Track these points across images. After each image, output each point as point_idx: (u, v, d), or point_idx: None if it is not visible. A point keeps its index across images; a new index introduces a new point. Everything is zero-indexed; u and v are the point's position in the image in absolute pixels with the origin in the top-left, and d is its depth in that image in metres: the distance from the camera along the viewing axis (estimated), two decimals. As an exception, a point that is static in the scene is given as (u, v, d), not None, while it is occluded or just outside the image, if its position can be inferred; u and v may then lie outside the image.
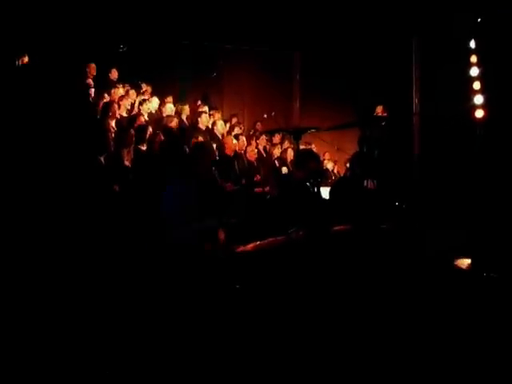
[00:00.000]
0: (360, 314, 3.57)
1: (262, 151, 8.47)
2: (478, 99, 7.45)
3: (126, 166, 5.49)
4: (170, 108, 7.78)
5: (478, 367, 3.00)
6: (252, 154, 7.75)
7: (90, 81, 7.37)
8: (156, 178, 5.29)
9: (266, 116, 9.22)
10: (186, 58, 9.45)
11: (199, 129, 7.65)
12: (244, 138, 7.93)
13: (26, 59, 6.24)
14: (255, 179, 7.37)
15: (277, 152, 8.38)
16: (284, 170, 7.82)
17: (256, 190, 7.03)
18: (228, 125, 8.42)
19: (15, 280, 4.01)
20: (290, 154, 8.05)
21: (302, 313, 3.57)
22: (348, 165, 7.44)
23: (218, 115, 8.41)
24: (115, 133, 6.13)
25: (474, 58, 7.60)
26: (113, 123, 6.43)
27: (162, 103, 7.92)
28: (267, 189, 7.05)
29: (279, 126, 8.92)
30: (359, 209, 4.48)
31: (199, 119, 7.81)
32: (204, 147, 4.44)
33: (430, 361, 3.05)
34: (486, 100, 7.34)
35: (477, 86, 7.51)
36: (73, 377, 2.91)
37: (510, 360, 3.05)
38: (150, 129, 6.20)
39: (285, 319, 3.50)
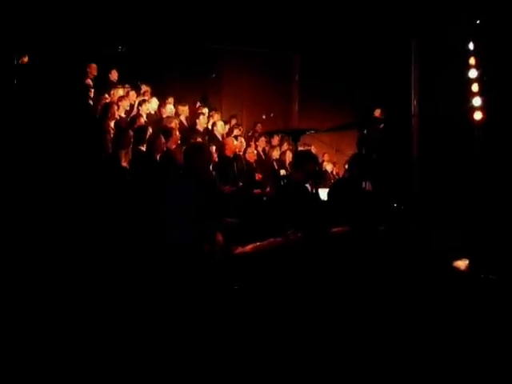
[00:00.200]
0: (359, 316, 3.58)
1: (261, 153, 8.47)
2: (477, 101, 7.48)
3: (124, 167, 5.48)
4: (170, 109, 7.78)
5: (477, 369, 3.01)
6: (252, 155, 7.75)
7: (89, 81, 7.37)
8: (155, 178, 5.29)
9: (264, 117, 9.23)
10: (185, 59, 9.45)
11: (197, 130, 7.65)
12: (243, 139, 7.94)
13: (25, 59, 6.24)
14: (257, 178, 7.36)
15: (275, 154, 8.38)
16: (282, 171, 7.82)
17: (255, 191, 7.03)
18: (227, 126, 8.42)
19: (13, 281, 4.01)
20: (289, 156, 8.06)
21: (300, 314, 3.57)
22: (346, 166, 7.45)
23: (217, 116, 8.42)
24: (113, 134, 6.13)
25: (472, 60, 7.64)
26: (112, 124, 6.43)
27: (162, 104, 7.92)
28: (267, 190, 7.06)
29: (278, 128, 8.93)
30: (357, 210, 4.48)
31: (197, 120, 7.82)
32: (201, 148, 4.42)
33: (429, 362, 3.05)
34: (485, 102, 7.37)
35: (475, 87, 7.54)
36: (73, 377, 2.91)
37: (509, 361, 3.06)
38: (150, 129, 6.20)
39: (283, 320, 3.50)
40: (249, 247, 4.11)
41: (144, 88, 8.22)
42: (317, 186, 4.82)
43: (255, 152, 7.94)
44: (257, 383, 2.94)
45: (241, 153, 7.66)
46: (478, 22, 7.50)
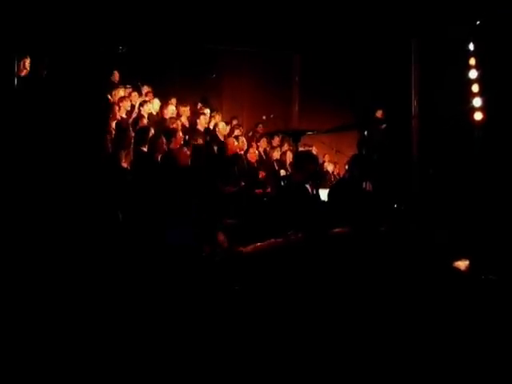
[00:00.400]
0: (359, 316, 3.58)
1: (262, 153, 8.49)
2: (477, 101, 7.48)
3: (124, 168, 5.49)
4: (171, 110, 7.79)
5: (477, 369, 3.01)
6: (253, 155, 7.77)
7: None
8: (156, 179, 5.31)
9: (265, 118, 9.24)
10: (184, 60, 9.45)
11: (198, 130, 7.66)
12: (244, 140, 7.95)
13: (27, 61, 6.24)
14: (260, 176, 7.37)
15: (276, 154, 8.40)
16: (282, 172, 7.83)
17: (257, 191, 7.04)
18: (228, 127, 8.44)
19: (13, 281, 4.02)
20: (289, 157, 8.07)
21: (301, 314, 3.58)
22: (347, 167, 7.46)
23: (218, 117, 8.44)
24: (114, 134, 6.14)
25: (472, 61, 7.64)
26: (113, 125, 6.44)
27: (163, 105, 7.93)
28: (268, 190, 7.06)
29: (278, 128, 8.93)
30: (357, 211, 4.49)
31: (198, 121, 7.83)
32: (202, 149, 4.45)
33: (429, 363, 3.06)
34: (485, 102, 7.37)
35: (475, 88, 7.55)
36: (73, 377, 2.92)
37: (509, 362, 3.06)
38: (152, 130, 6.22)
39: (284, 321, 3.51)
40: (249, 248, 4.12)
41: (146, 89, 8.24)
42: (317, 186, 4.82)
43: (257, 152, 7.95)
44: (258, 383, 2.94)
45: (242, 152, 7.67)
46: (478, 22, 7.51)
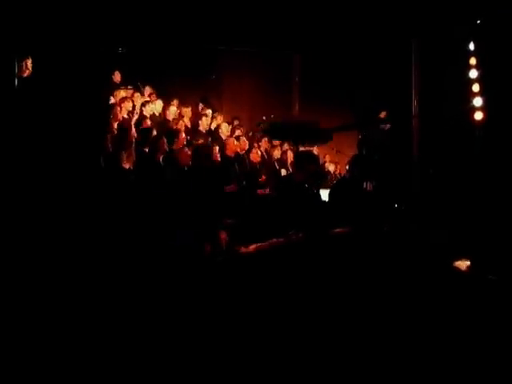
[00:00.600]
0: (360, 316, 3.59)
1: (264, 153, 8.49)
2: (477, 101, 7.48)
3: (125, 168, 5.50)
4: (173, 111, 7.79)
5: (477, 369, 3.02)
6: (256, 155, 7.76)
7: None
8: (157, 179, 5.32)
9: (265, 118, 9.23)
10: (184, 60, 9.45)
11: (199, 131, 7.66)
12: (245, 140, 7.95)
13: (29, 62, 6.24)
14: (260, 180, 7.37)
15: (277, 154, 8.40)
16: (283, 172, 7.84)
17: (259, 191, 7.04)
18: (230, 127, 8.44)
19: (13, 282, 4.02)
20: (290, 156, 8.07)
21: (302, 314, 3.58)
22: (347, 167, 7.47)
23: (220, 118, 8.44)
24: (115, 135, 6.15)
25: (473, 60, 7.64)
26: (115, 125, 6.45)
27: (165, 106, 7.93)
28: (268, 190, 7.07)
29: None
30: (358, 211, 4.50)
31: (200, 122, 7.83)
32: (203, 150, 4.46)
33: (429, 362, 3.06)
34: (485, 102, 7.37)
35: (476, 88, 7.54)
36: (73, 377, 2.93)
37: (509, 362, 3.07)
38: (155, 131, 6.23)
39: (285, 320, 3.52)
40: (251, 247, 4.13)
41: (149, 90, 8.24)
42: (318, 186, 4.84)
43: (259, 153, 7.95)
44: (258, 383, 2.95)
45: (243, 152, 7.67)
46: (478, 22, 7.51)
